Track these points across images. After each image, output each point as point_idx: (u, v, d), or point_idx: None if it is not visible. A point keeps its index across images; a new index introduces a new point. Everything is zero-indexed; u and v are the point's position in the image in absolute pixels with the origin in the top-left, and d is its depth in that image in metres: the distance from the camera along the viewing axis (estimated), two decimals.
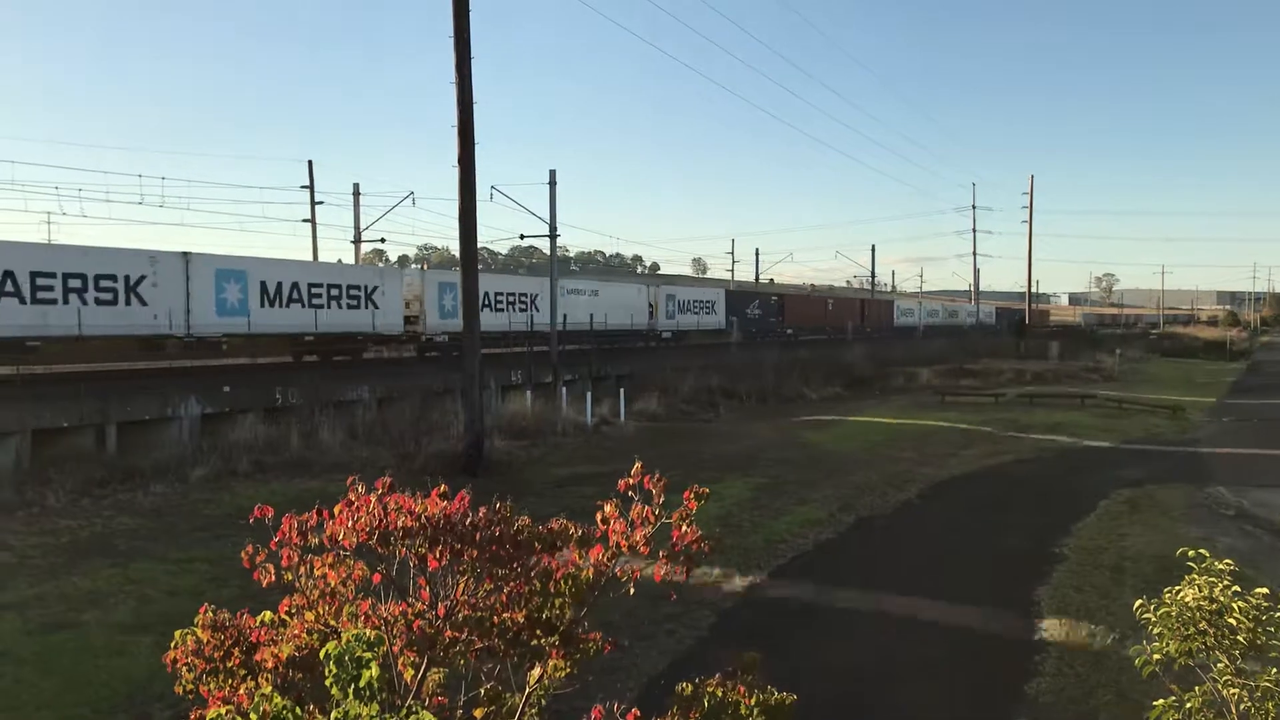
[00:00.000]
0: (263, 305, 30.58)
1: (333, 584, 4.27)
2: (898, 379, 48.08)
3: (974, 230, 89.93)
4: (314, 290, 32.23)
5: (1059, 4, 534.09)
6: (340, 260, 54.54)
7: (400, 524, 4.04)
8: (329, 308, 32.88)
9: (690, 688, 4.20)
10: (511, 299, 43.30)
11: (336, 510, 4.21)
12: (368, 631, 3.37)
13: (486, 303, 40.11)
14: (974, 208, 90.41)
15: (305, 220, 51.23)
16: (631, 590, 4.66)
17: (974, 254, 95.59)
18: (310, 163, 51.50)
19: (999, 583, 12.81)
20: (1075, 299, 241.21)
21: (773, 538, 14.91)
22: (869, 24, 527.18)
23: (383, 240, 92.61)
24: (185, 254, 28.60)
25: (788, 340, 59.09)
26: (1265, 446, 27.56)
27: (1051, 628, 10.75)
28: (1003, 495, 19.41)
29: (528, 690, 4.35)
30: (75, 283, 25.42)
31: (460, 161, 21.83)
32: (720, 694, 4.11)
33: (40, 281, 24.68)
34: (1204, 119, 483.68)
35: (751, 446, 25.50)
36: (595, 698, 8.61)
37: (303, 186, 51.17)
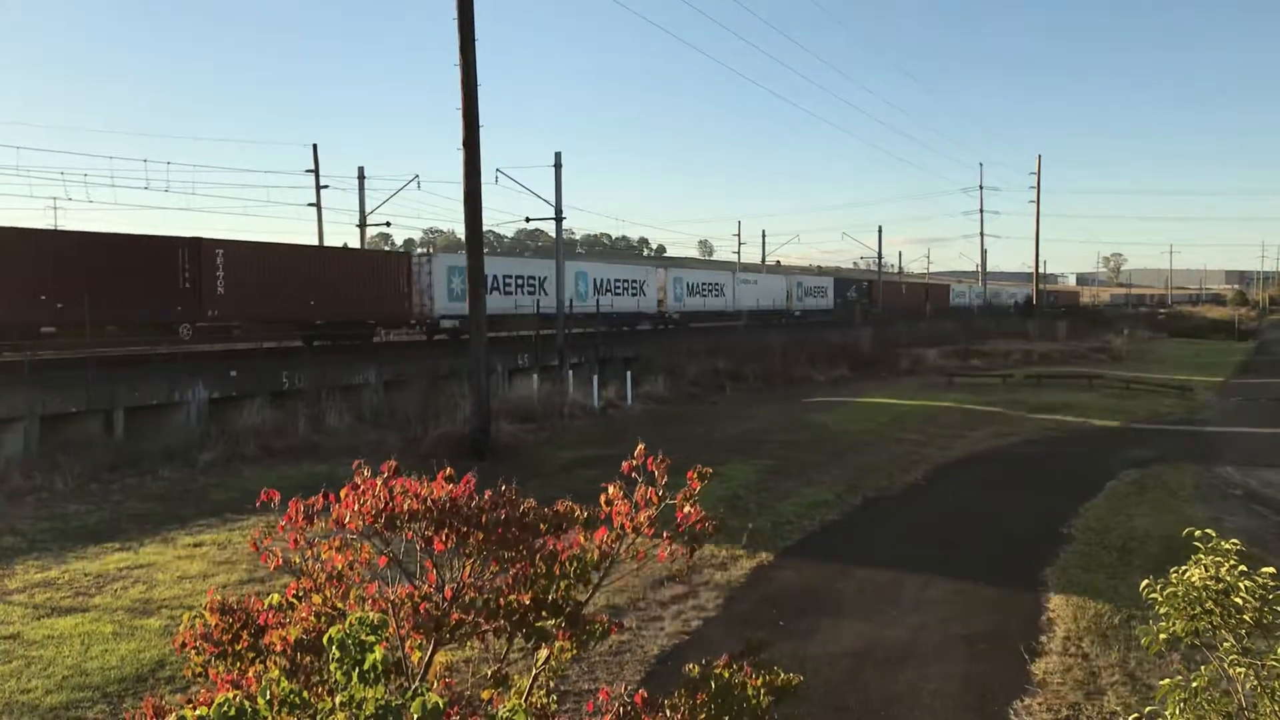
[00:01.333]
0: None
1: (339, 567, 4.28)
2: (928, 357, 47.87)
3: (981, 210, 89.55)
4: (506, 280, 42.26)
5: None
6: (346, 244, 54.99)
7: (406, 507, 4.05)
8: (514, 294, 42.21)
9: (697, 669, 4.21)
10: (625, 285, 50.75)
11: (343, 494, 4.22)
12: (372, 614, 3.37)
13: (609, 289, 48.58)
14: (981, 188, 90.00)
15: (311, 204, 51.18)
16: (637, 571, 4.67)
17: (981, 234, 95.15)
18: (315, 146, 51.44)
19: (1007, 564, 12.82)
20: (1083, 279, 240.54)
21: (779, 519, 14.92)
22: (876, 3, 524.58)
23: (388, 224, 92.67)
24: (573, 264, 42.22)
25: (879, 319, 68.91)
26: (1272, 426, 27.51)
27: (1058, 607, 10.75)
28: (1010, 476, 19.41)
29: (535, 671, 4.36)
30: (515, 282, 41.60)
31: (465, 144, 21.78)
32: (727, 675, 4.11)
33: (505, 282, 40.76)
34: (1212, 97, 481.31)
35: (758, 428, 25.51)
36: (602, 679, 8.68)
37: (308, 170, 51.12)
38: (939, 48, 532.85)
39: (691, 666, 4.23)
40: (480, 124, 21.83)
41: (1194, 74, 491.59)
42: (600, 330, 41.55)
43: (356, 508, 4.08)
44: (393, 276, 36.02)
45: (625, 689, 7.42)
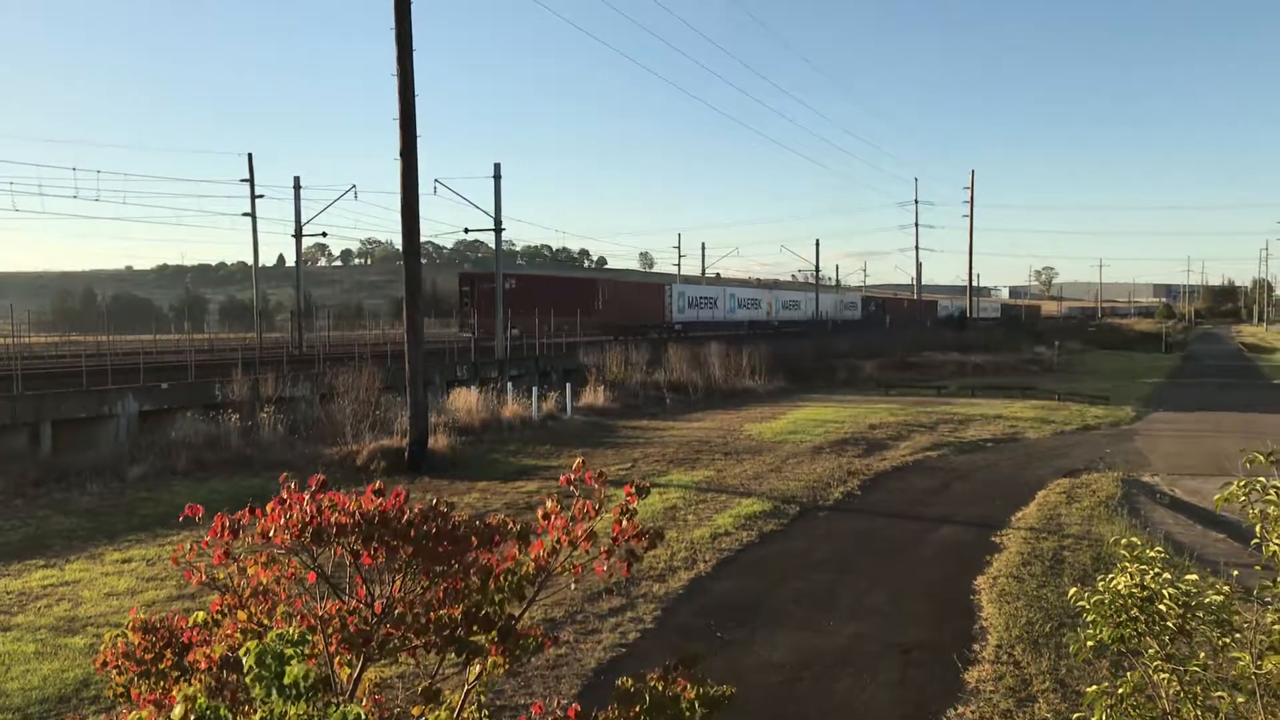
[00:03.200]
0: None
1: (265, 582, 4.20)
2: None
3: (916, 224, 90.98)
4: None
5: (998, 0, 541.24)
6: (328, 250, 54.52)
7: (334, 521, 3.98)
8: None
9: (631, 683, 4.18)
10: (705, 301, 67.15)
11: (269, 508, 4.14)
12: (291, 630, 3.30)
13: (695, 304, 65.35)
14: (916, 202, 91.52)
15: (245, 214, 50.57)
16: (573, 585, 4.64)
17: (916, 248, 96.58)
18: (250, 156, 50.86)
19: (941, 573, 12.96)
20: (1015, 292, 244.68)
21: (717, 530, 14.95)
22: (812, 20, 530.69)
23: (324, 234, 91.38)
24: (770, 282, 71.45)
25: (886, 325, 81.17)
26: (1197, 436, 28.20)
27: (991, 616, 10.89)
28: (943, 486, 19.66)
29: (466, 687, 4.30)
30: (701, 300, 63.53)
31: (402, 154, 21.65)
32: (661, 688, 4.09)
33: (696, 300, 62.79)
34: (1140, 113, 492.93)
35: (697, 440, 25.58)
36: (538, 693, 8.62)
37: (242, 180, 50.47)
38: (874, 64, 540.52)
39: (625, 680, 4.21)
40: (418, 134, 21.74)
41: (1122, 90, 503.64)
42: (543, 341, 41.62)
43: (283, 522, 4.01)
44: (659, 296, 60.36)
45: (559, 703, 7.37)
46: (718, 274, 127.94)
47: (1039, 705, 8.41)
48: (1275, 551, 5.07)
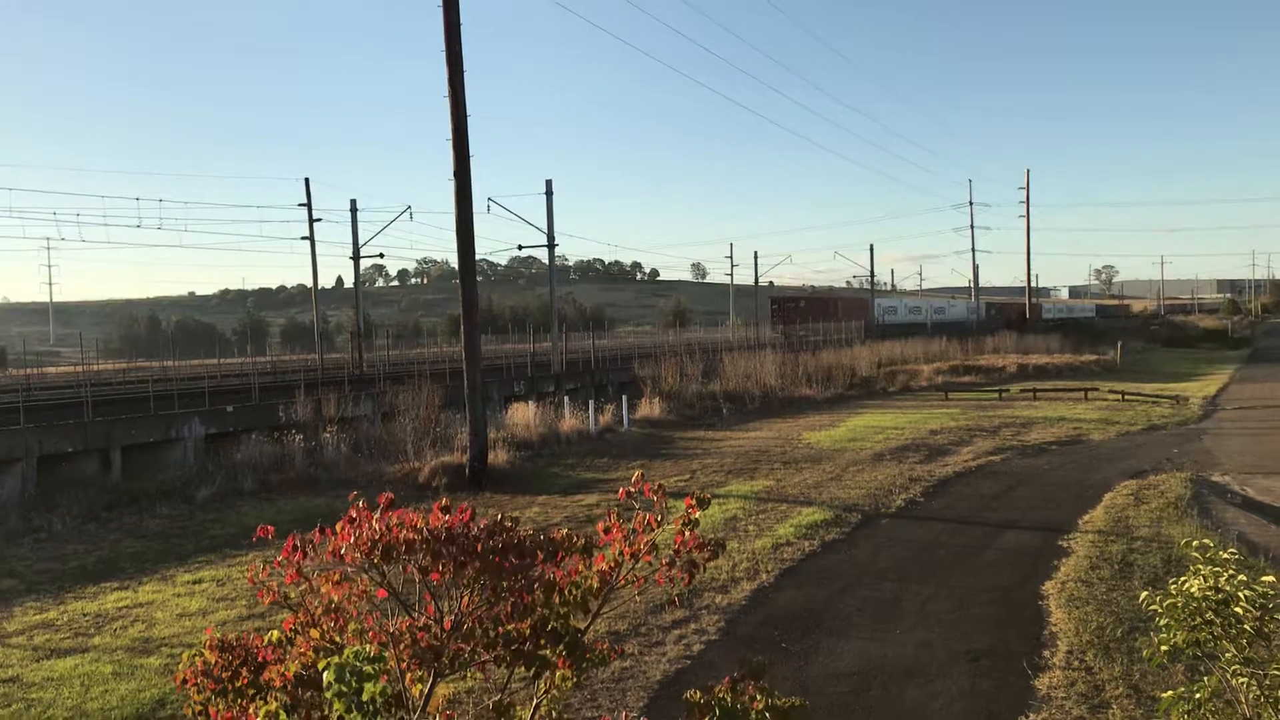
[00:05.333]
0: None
1: (336, 600, 4.28)
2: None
3: (971, 226, 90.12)
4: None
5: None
6: (340, 276, 55.45)
7: (402, 538, 4.05)
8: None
9: (700, 695, 4.19)
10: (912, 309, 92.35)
11: (339, 527, 4.22)
12: (369, 647, 3.36)
13: (895, 312, 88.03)
14: (971, 204, 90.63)
15: (304, 238, 51.39)
16: (636, 597, 4.67)
17: (973, 250, 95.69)
18: (307, 180, 51.73)
19: (1007, 579, 12.79)
20: (1075, 291, 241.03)
21: (779, 540, 14.89)
22: (862, 24, 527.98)
23: (381, 255, 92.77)
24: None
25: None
26: (1267, 433, 27.56)
27: (1060, 621, 10.73)
28: (1007, 491, 19.39)
29: (535, 701, 4.34)
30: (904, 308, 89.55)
31: (456, 174, 21.89)
32: (729, 700, 4.10)
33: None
34: (1199, 107, 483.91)
35: (755, 449, 25.50)
36: (605, 706, 8.65)
37: (300, 204, 51.32)
38: (928, 67, 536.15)
39: (694, 692, 4.21)
40: (470, 154, 21.99)
41: (1181, 84, 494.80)
42: (598, 356, 41.76)
43: (353, 540, 4.08)
44: (865, 308, 77.81)
45: (627, 715, 7.38)
46: (770, 282, 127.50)
47: (1113, 711, 8.28)
48: None
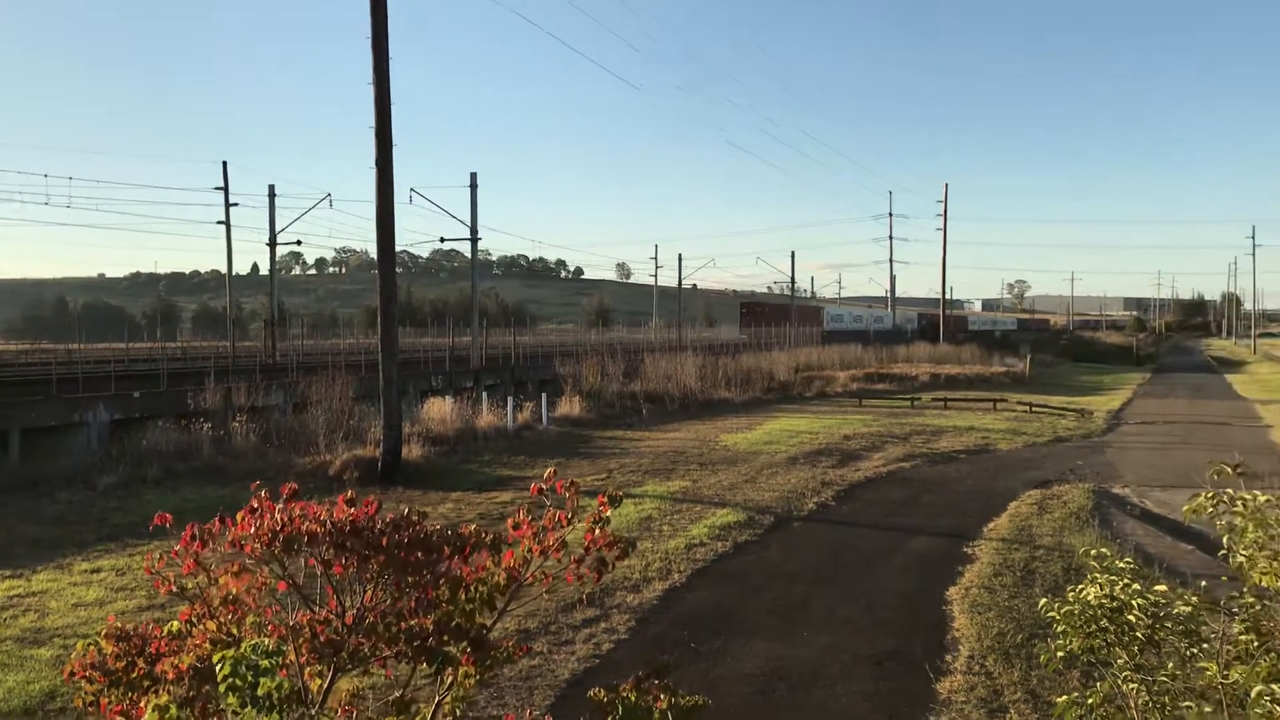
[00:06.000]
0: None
1: (235, 592, 4.17)
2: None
3: (890, 237, 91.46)
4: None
5: (971, 13, 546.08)
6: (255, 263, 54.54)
7: (305, 530, 3.96)
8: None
9: (604, 693, 4.17)
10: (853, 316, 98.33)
11: (239, 517, 4.12)
12: (267, 640, 3.28)
13: (839, 320, 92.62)
14: (890, 215, 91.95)
15: (219, 222, 50.26)
16: (545, 595, 4.64)
17: (890, 260, 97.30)
18: (225, 163, 50.60)
19: (913, 584, 13.01)
20: (988, 305, 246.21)
21: (692, 541, 14.95)
22: (790, 36, 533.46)
23: (299, 243, 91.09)
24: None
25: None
26: (1167, 449, 28.46)
27: (963, 626, 10.94)
28: (916, 497, 19.74)
29: (438, 698, 4.29)
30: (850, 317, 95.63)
31: (378, 164, 21.59)
32: (633, 698, 4.09)
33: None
34: (1110, 128, 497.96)
35: (673, 450, 25.59)
36: (511, 704, 8.59)
37: (217, 188, 50.19)
38: (853, 79, 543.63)
39: (598, 691, 4.20)
40: (393, 143, 21.68)
41: (1095, 105, 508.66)
42: (518, 352, 41.54)
43: (253, 531, 3.99)
44: (817, 316, 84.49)
45: (531, 714, 7.34)
46: (694, 285, 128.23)
47: (1010, 715, 8.45)
48: (1242, 562, 5.12)
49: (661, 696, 4.04)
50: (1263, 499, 5.12)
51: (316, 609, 4.10)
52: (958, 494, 20.09)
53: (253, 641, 3.28)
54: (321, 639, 3.82)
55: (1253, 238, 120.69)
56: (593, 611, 11.31)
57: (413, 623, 3.95)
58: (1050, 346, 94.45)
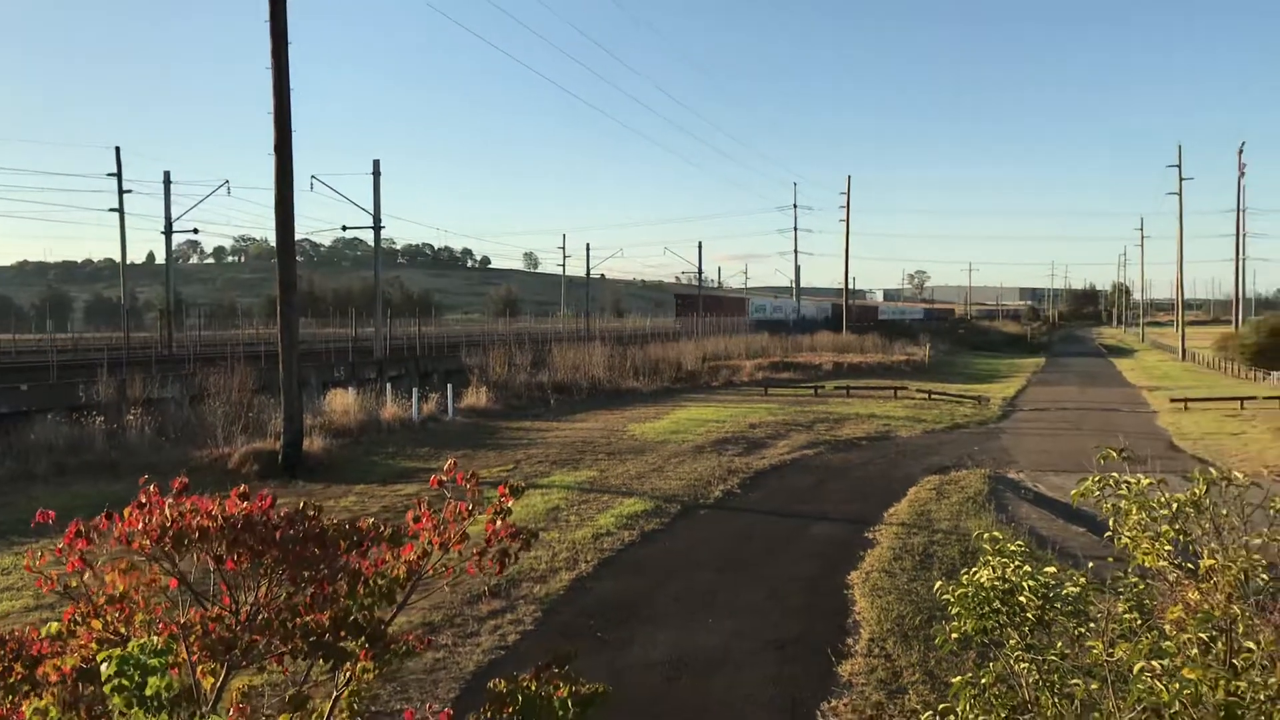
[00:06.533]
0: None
1: (122, 590, 4.04)
2: (740, 371, 49.03)
3: (795, 228, 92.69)
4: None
5: (871, 8, 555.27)
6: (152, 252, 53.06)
7: (195, 525, 3.86)
8: None
9: (504, 684, 4.15)
10: (776, 307, 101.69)
11: (126, 512, 3.99)
12: (155, 639, 3.19)
13: (765, 310, 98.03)
14: (795, 206, 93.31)
15: (112, 209, 48.71)
16: (447, 588, 4.59)
17: (795, 251, 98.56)
18: (118, 149, 48.98)
19: (816, 569, 13.21)
20: (889, 295, 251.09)
21: (600, 531, 14.96)
22: (696, 27, 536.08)
23: (195, 231, 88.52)
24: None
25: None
26: (1059, 434, 29.37)
27: (864, 610, 11.14)
28: (819, 484, 20.06)
29: (335, 693, 4.22)
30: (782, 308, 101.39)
31: (277, 150, 21.13)
32: (534, 688, 4.08)
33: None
34: (1008, 121, 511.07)
35: (581, 440, 25.57)
36: (415, 698, 8.51)
37: (110, 174, 48.60)
38: (759, 73, 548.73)
39: (498, 682, 4.17)
40: (293, 129, 21.24)
41: (990, 100, 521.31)
42: (424, 342, 41.07)
43: (141, 526, 3.87)
44: (742, 307, 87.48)
45: (431, 708, 7.29)
46: (602, 275, 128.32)
47: (909, 696, 8.64)
48: (1126, 544, 5.29)
49: (561, 686, 4.04)
50: (1146, 482, 5.30)
51: (209, 606, 4.00)
52: (860, 480, 20.46)
53: (140, 640, 3.18)
54: (214, 636, 3.72)
55: (1141, 229, 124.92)
56: (499, 603, 11.25)
57: (308, 618, 3.88)
58: (949, 335, 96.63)
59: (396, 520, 4.88)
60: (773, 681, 9.16)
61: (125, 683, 3.07)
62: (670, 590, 12.17)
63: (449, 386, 31.79)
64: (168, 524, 3.85)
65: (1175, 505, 5.14)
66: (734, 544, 14.78)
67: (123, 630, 3.97)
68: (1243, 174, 71.19)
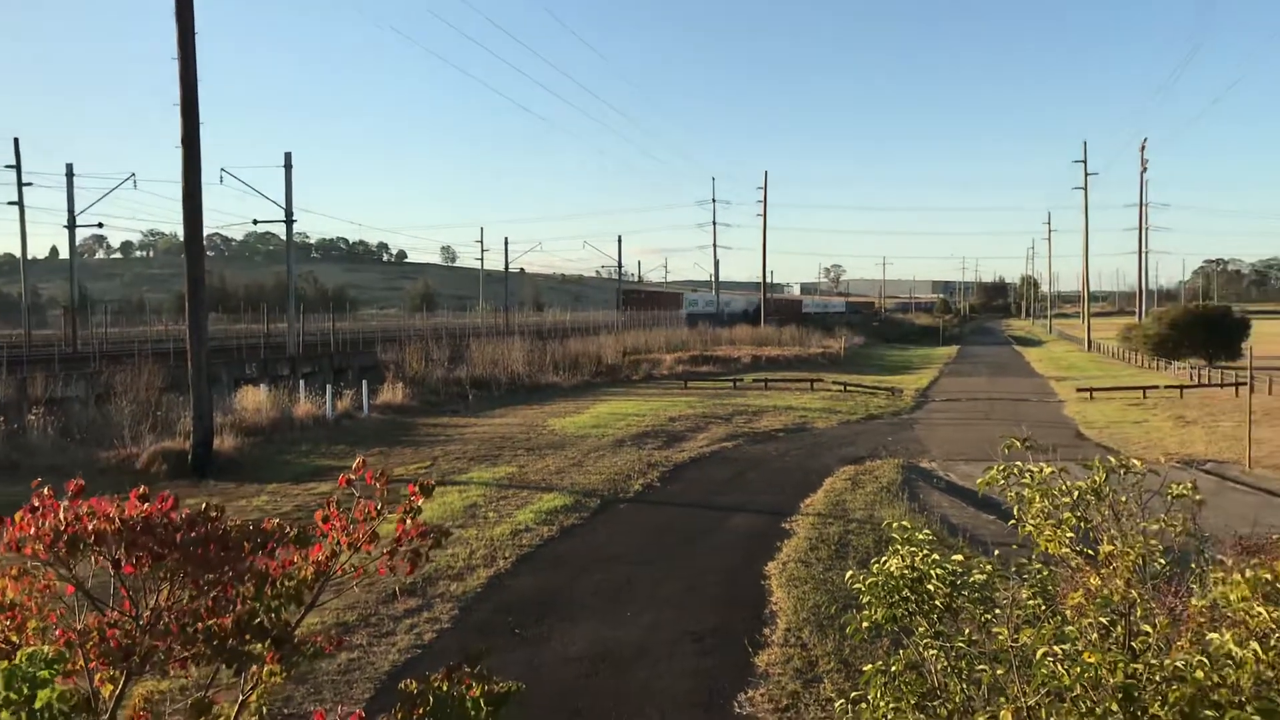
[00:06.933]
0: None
1: (14, 597, 3.91)
2: (661, 364, 49.14)
3: (714, 223, 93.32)
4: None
5: (786, 7, 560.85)
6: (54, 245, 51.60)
7: (92, 529, 3.74)
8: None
9: (415, 684, 4.10)
10: (711, 302, 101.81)
11: (17, 516, 3.85)
12: (48, 648, 3.08)
13: (704, 305, 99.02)
14: (714, 201, 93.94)
15: (11, 203, 47.11)
16: (356, 588, 4.52)
17: (714, 245, 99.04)
18: (16, 140, 47.35)
19: (734, 560, 13.31)
20: (806, 288, 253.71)
21: (518, 527, 14.90)
22: (615, 24, 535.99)
23: (100, 225, 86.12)
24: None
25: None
26: (970, 424, 30.00)
27: (780, 600, 11.26)
28: (737, 476, 20.22)
29: (241, 697, 4.13)
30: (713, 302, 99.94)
31: (184, 141, 20.63)
32: (445, 688, 4.04)
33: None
34: (918, 121, 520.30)
35: (499, 436, 25.43)
36: (329, 699, 8.38)
37: (9, 166, 46.99)
38: (677, 67, 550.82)
39: (409, 682, 4.12)
40: (201, 120, 20.75)
41: (901, 99, 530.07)
42: (339, 338, 40.45)
43: (33, 531, 3.74)
44: (677, 301, 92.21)
45: (343, 709, 7.19)
46: (521, 269, 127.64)
47: (824, 685, 8.75)
48: (1031, 531, 5.42)
49: (474, 685, 4.00)
50: (1048, 471, 5.43)
51: (106, 611, 3.88)
52: (777, 471, 20.67)
53: (29, 650, 3.07)
54: (112, 643, 3.62)
55: (1049, 224, 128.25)
56: (415, 601, 11.14)
57: (211, 622, 3.78)
58: (865, 328, 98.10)
59: (309, 519, 4.80)
60: (690, 673, 9.22)
61: (14, 696, 2.96)
62: (589, 585, 12.16)
63: (364, 383, 31.36)
64: (61, 528, 3.73)
65: (1076, 493, 5.28)
66: (653, 537, 14.82)
67: (15, 639, 3.84)
68: (1145, 169, 73.49)
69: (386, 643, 9.88)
